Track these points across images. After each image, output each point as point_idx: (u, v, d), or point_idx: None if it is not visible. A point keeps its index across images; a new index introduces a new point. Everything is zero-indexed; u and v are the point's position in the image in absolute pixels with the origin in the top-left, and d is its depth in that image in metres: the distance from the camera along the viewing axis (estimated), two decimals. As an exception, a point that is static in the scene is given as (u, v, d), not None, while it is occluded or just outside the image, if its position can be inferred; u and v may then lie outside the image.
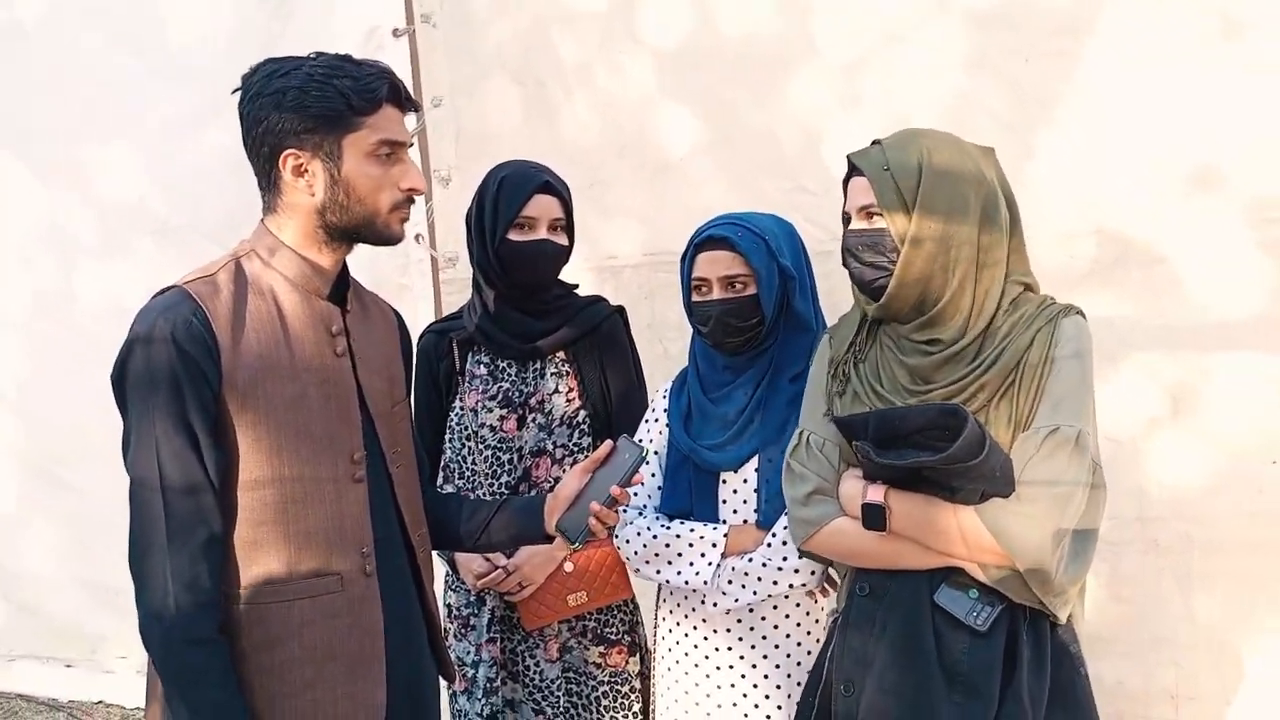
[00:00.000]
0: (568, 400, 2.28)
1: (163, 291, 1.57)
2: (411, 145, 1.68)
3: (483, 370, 2.30)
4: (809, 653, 1.94)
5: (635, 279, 2.99)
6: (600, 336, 2.31)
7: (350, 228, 1.61)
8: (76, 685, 3.98)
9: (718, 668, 1.98)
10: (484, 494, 2.26)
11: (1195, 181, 2.45)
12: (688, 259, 1.98)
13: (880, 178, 1.66)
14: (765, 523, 1.92)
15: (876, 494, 1.62)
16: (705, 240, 1.95)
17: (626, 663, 2.31)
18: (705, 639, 1.99)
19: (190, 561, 1.49)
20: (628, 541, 1.99)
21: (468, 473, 2.29)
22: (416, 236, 3.14)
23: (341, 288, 1.69)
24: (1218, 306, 2.45)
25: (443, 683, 1.92)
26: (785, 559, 1.87)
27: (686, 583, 1.93)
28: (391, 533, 1.72)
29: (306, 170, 1.58)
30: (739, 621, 1.96)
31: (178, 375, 1.48)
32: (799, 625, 1.96)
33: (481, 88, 3.11)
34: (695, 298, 1.97)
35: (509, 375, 2.29)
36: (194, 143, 3.41)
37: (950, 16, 2.61)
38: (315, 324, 1.62)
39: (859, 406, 1.71)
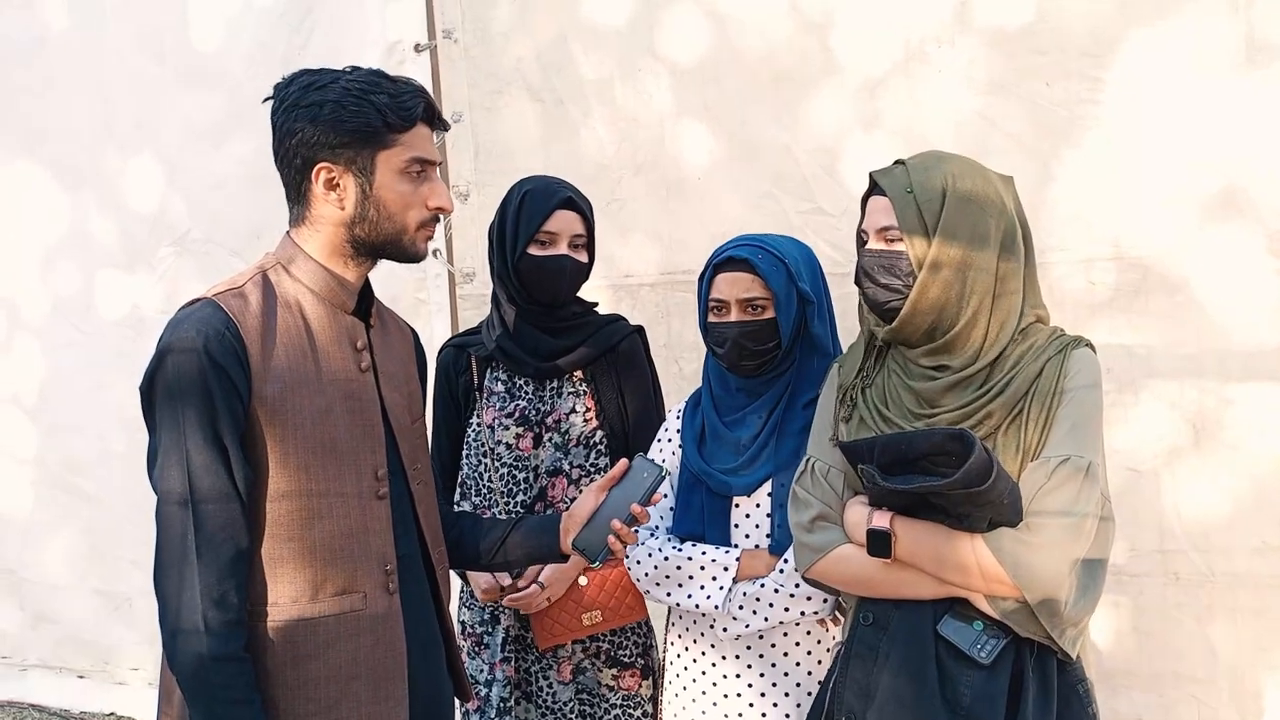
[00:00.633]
0: (585, 420, 2.27)
1: (192, 303, 1.57)
2: (441, 164, 1.68)
3: (500, 387, 2.29)
4: (819, 682, 1.91)
5: (652, 298, 2.98)
6: (619, 356, 2.30)
7: (377, 243, 1.62)
8: (88, 696, 3.98)
9: (725, 695, 1.95)
10: (499, 512, 2.26)
11: (1217, 208, 2.43)
12: (706, 279, 1.96)
13: (903, 199, 1.64)
14: (778, 548, 1.89)
15: (882, 520, 1.59)
16: (725, 261, 1.93)
17: (639, 686, 2.30)
18: (714, 665, 1.97)
19: (219, 578, 1.48)
20: (638, 562, 1.98)
21: (484, 490, 2.28)
22: (434, 252, 3.15)
23: (365, 303, 1.69)
24: (1240, 334, 2.42)
25: (456, 701, 1.91)
26: (797, 585, 1.85)
27: (697, 606, 1.91)
28: (413, 550, 1.71)
29: (339, 184, 1.58)
30: (748, 648, 1.94)
31: (210, 387, 1.48)
32: (809, 654, 1.94)
33: (501, 103, 3.12)
34: (713, 318, 1.95)
35: (526, 393, 2.28)
36: (216, 154, 3.44)
37: (972, 38, 2.60)
38: (341, 338, 1.62)
39: (865, 431, 1.69)
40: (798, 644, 1.93)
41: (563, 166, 2.46)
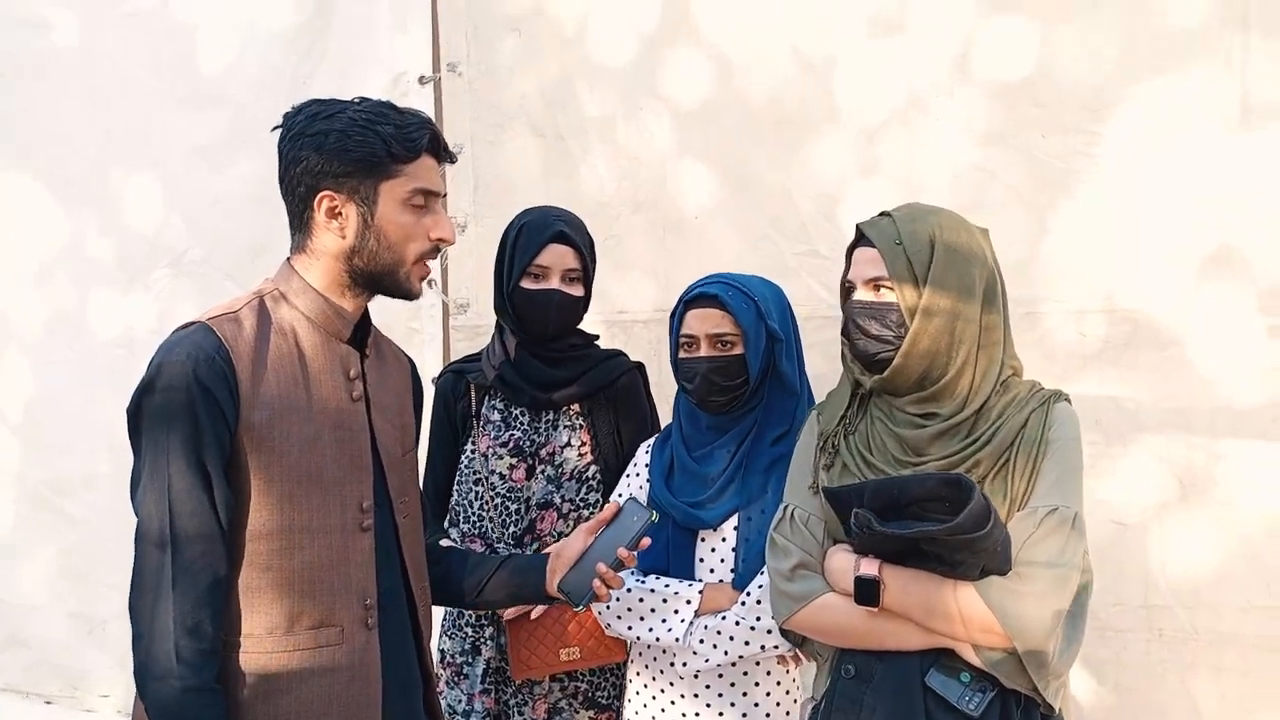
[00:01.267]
0: (579, 454, 2.27)
1: (186, 326, 1.56)
2: (444, 195, 1.68)
3: (496, 416, 2.29)
4: None
5: (646, 334, 2.99)
6: (617, 391, 2.31)
7: (375, 274, 1.61)
8: (54, 724, 3.91)
9: None
10: (490, 540, 2.24)
11: (1210, 264, 2.44)
12: (677, 315, 2.00)
13: (892, 250, 1.65)
14: (740, 583, 1.90)
15: (870, 567, 1.58)
16: (696, 297, 1.97)
17: (615, 728, 2.27)
18: (673, 703, 1.96)
19: (194, 606, 1.46)
20: None
21: (474, 517, 2.27)
22: (429, 281, 3.14)
23: (362, 333, 1.69)
24: (1230, 391, 2.43)
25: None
26: (759, 619, 1.85)
27: (658, 639, 1.91)
28: (395, 584, 1.69)
29: (340, 213, 1.58)
30: (707, 687, 1.93)
31: (197, 413, 1.47)
32: (768, 695, 1.93)
33: (502, 137, 3.14)
34: (683, 354, 1.99)
35: (522, 424, 2.28)
36: (216, 177, 3.44)
37: (972, 88, 2.62)
38: (334, 366, 1.62)
39: (849, 478, 1.68)
40: (757, 684, 1.93)
41: (562, 202, 2.47)
